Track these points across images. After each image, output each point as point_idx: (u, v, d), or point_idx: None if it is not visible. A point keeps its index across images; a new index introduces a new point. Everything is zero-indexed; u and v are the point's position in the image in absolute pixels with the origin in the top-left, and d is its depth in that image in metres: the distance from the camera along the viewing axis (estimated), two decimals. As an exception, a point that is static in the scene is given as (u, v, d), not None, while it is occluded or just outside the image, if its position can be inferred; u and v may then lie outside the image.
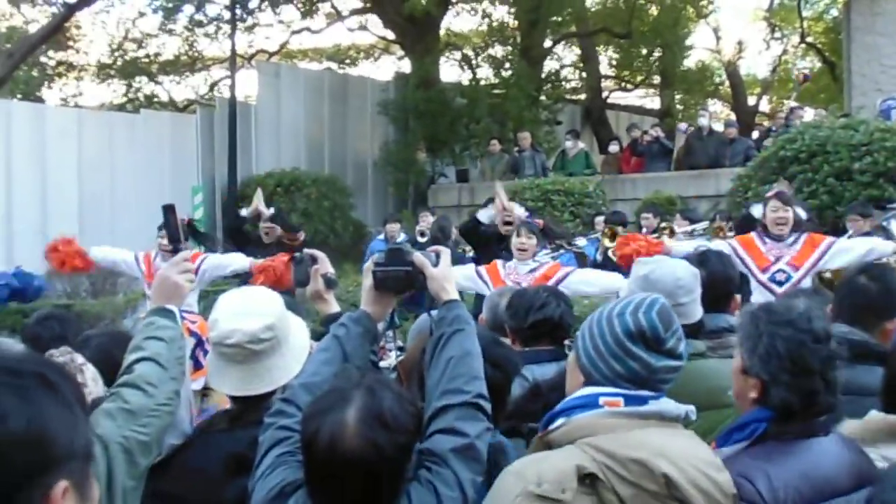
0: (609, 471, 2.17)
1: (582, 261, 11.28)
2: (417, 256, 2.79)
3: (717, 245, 6.69)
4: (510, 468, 2.28)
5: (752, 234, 7.11)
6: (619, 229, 10.64)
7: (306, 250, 3.69)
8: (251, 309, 3.04)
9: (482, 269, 7.29)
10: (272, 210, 9.90)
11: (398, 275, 2.80)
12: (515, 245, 7.31)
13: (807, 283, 6.71)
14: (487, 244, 8.96)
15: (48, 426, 1.33)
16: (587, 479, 2.16)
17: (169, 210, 3.30)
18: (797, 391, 2.59)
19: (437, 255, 2.81)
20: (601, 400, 2.30)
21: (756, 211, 8.13)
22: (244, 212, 10.10)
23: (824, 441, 2.63)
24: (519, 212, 8.42)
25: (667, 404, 2.33)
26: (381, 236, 13.51)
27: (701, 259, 3.95)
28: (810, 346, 2.58)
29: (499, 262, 7.38)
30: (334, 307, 3.60)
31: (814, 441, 2.61)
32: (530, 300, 3.96)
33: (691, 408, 2.38)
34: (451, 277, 2.79)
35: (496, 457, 2.58)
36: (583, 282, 6.93)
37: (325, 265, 3.59)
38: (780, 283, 6.71)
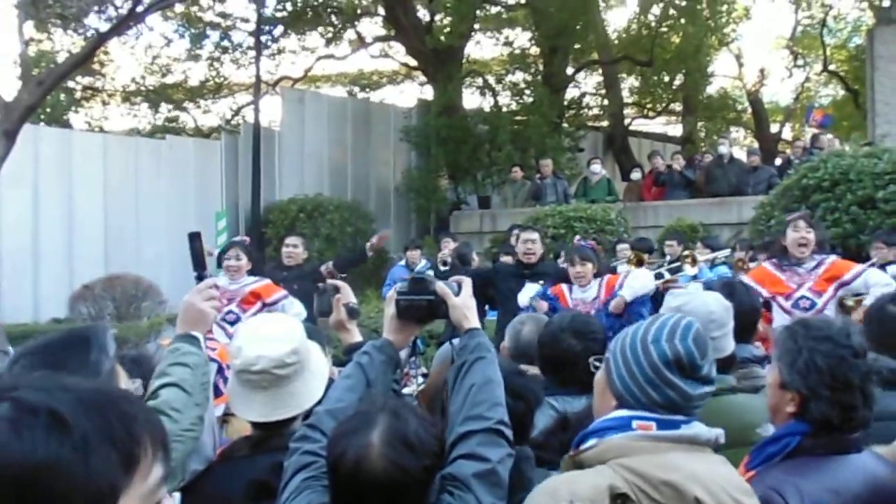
0: (641, 492, 2.17)
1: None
2: (440, 286, 2.83)
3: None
4: (542, 486, 2.28)
5: (765, 265, 7.02)
6: (645, 256, 10.65)
7: (329, 280, 3.72)
8: (275, 335, 3.07)
9: (554, 291, 7.43)
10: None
11: (421, 304, 2.84)
12: (573, 274, 7.61)
13: (830, 309, 6.63)
14: (487, 283, 8.91)
15: (33, 470, 1.21)
16: (619, 500, 2.17)
17: (195, 237, 3.34)
18: (837, 405, 2.61)
19: (459, 285, 2.84)
20: (634, 423, 2.30)
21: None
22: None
23: (857, 458, 2.64)
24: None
25: (699, 428, 2.33)
26: (403, 262, 13.55)
27: (728, 290, 3.94)
28: (850, 361, 2.62)
29: (564, 287, 7.53)
30: (357, 336, 3.63)
31: (846, 458, 2.62)
32: (555, 335, 3.93)
33: (720, 432, 2.38)
34: (473, 306, 2.82)
35: (520, 464, 2.60)
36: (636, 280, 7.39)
37: (347, 295, 3.61)
38: (805, 310, 6.61)
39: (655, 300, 10.28)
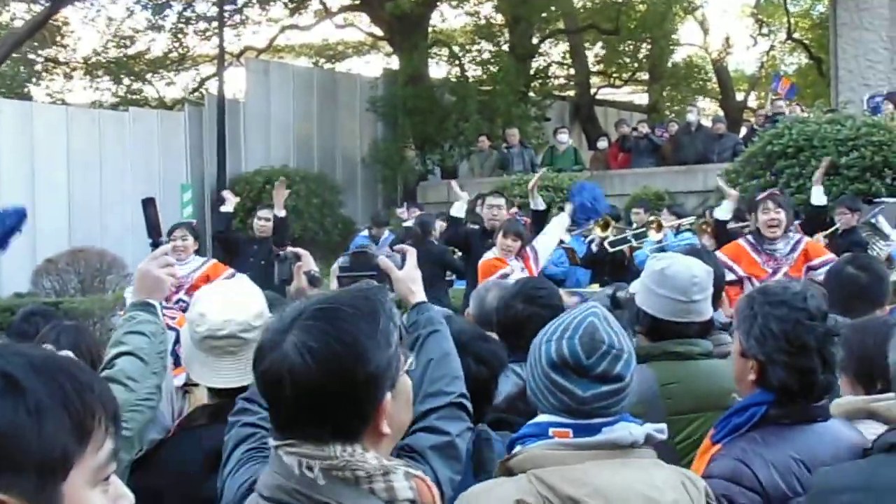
0: None
1: (571, 257, 11.34)
2: (382, 260, 2.76)
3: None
4: (463, 495, 2.20)
5: (741, 243, 6.85)
6: (612, 221, 10.70)
7: (290, 248, 3.69)
8: (239, 299, 3.03)
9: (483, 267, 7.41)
10: (283, 213, 9.76)
11: (363, 279, 2.77)
12: (500, 245, 7.52)
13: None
14: (467, 243, 9.07)
15: None
16: None
17: (149, 203, 3.28)
18: (794, 370, 2.58)
19: (403, 257, 2.75)
20: (551, 431, 2.19)
21: (720, 213, 8.04)
22: (226, 207, 10.01)
23: (824, 426, 2.62)
24: (539, 204, 8.77)
25: (620, 432, 2.17)
26: (365, 232, 13.58)
27: (693, 257, 3.94)
28: (805, 324, 2.58)
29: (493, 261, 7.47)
30: None
31: (812, 427, 2.60)
32: (503, 300, 3.92)
33: (660, 427, 2.24)
34: (418, 278, 2.72)
35: (481, 448, 2.58)
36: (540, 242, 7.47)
37: (308, 262, 3.59)
38: None
39: (623, 266, 10.36)
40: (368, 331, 1.78)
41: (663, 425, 2.27)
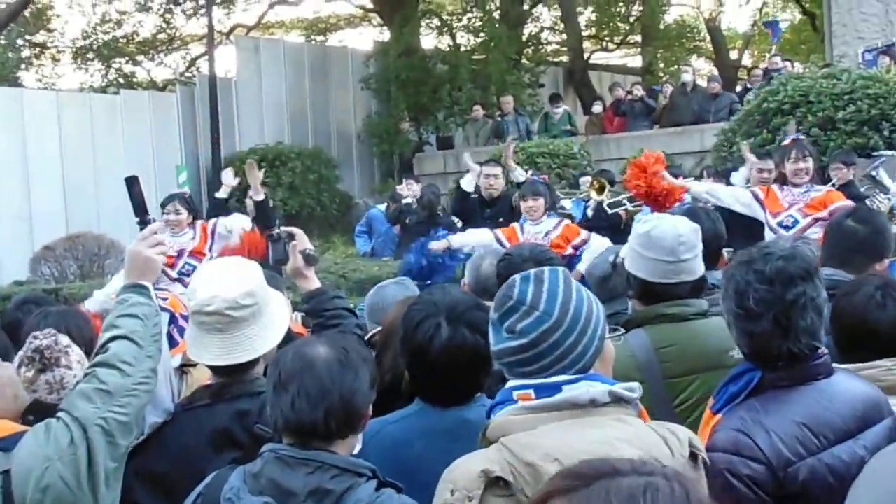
0: (518, 474, 2.05)
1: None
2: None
3: (739, 189, 6.93)
4: (445, 472, 2.17)
5: (773, 186, 7.13)
6: (607, 184, 10.65)
7: (284, 227, 3.64)
8: (230, 276, 3.00)
9: (500, 232, 7.34)
10: (262, 197, 8.73)
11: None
12: (524, 209, 7.54)
13: (813, 231, 6.62)
14: (472, 214, 9.02)
15: None
16: (499, 483, 2.05)
17: (133, 182, 3.21)
18: (744, 334, 2.53)
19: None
20: (514, 395, 2.19)
21: (736, 178, 8.14)
22: (221, 193, 9.65)
23: (827, 383, 2.53)
24: (519, 175, 8.65)
25: (577, 390, 2.14)
26: (380, 207, 13.58)
27: (692, 216, 3.89)
28: (755, 287, 2.49)
29: (517, 225, 7.48)
30: (315, 283, 3.57)
31: (816, 385, 2.52)
32: (516, 267, 3.88)
33: (628, 385, 2.21)
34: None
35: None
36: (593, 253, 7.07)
37: (303, 241, 3.55)
38: (787, 228, 6.72)
39: (620, 230, 10.31)
40: None
41: (634, 384, 2.23)
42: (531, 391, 2.16)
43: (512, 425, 2.14)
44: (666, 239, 3.24)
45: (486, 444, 2.19)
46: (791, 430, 2.43)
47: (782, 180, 7.01)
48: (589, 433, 2.09)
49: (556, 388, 2.15)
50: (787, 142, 7.29)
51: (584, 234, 7.41)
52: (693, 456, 2.15)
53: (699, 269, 3.32)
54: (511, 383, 2.23)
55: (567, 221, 7.76)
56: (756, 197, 6.93)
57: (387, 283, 4.40)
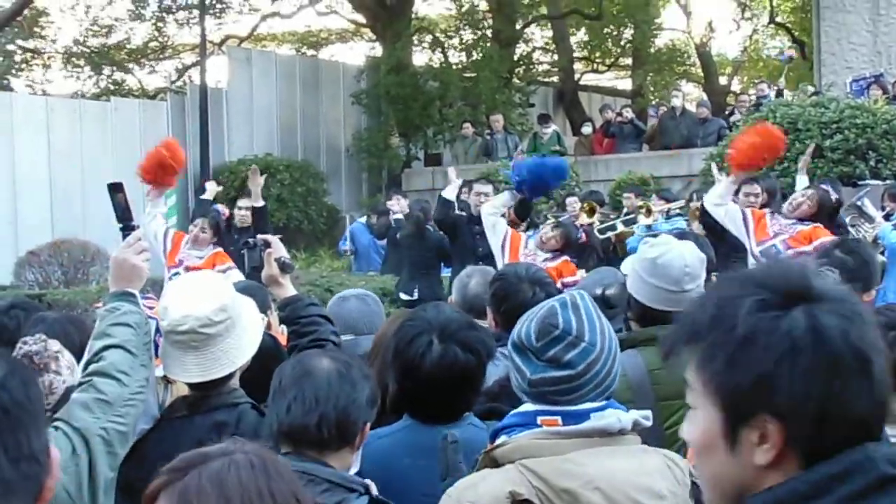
0: (544, 498, 2.06)
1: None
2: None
3: (731, 208, 6.86)
4: (450, 491, 2.18)
5: (766, 211, 7.13)
6: (597, 206, 10.66)
7: (259, 235, 3.67)
8: (201, 293, 2.99)
9: (510, 234, 7.24)
10: (262, 203, 9.15)
11: None
12: (541, 236, 7.61)
13: None
14: (455, 229, 9.00)
15: None
16: None
17: (116, 188, 3.21)
18: None
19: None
20: (539, 419, 2.18)
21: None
22: (206, 195, 9.73)
23: None
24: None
25: (609, 419, 2.17)
26: (363, 219, 13.61)
27: (682, 239, 3.91)
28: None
29: (523, 237, 7.45)
30: (290, 291, 3.57)
31: None
32: (511, 287, 3.85)
33: (645, 414, 2.25)
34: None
35: (445, 450, 2.53)
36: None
37: (278, 249, 3.56)
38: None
39: (608, 252, 10.35)
40: None
41: (648, 412, 2.26)
42: (558, 417, 2.17)
43: (539, 449, 2.13)
44: (672, 268, 3.25)
45: (487, 465, 2.19)
46: None
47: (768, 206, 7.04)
48: (626, 463, 2.13)
49: (585, 415, 2.17)
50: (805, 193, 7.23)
51: (578, 276, 7.33)
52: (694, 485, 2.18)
53: None
54: (530, 407, 2.23)
55: (566, 258, 7.71)
56: (745, 218, 6.88)
57: (348, 296, 4.41)
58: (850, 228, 8.59)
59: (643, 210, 10.50)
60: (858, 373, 1.33)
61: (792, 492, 1.34)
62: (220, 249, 8.12)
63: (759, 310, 1.34)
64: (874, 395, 1.34)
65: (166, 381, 3.78)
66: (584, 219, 10.29)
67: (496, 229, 7.09)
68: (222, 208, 9.05)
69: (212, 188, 9.77)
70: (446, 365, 2.70)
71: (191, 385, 3.04)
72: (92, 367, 2.66)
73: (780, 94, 15.97)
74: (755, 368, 1.33)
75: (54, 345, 3.11)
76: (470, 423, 2.75)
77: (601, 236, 10.14)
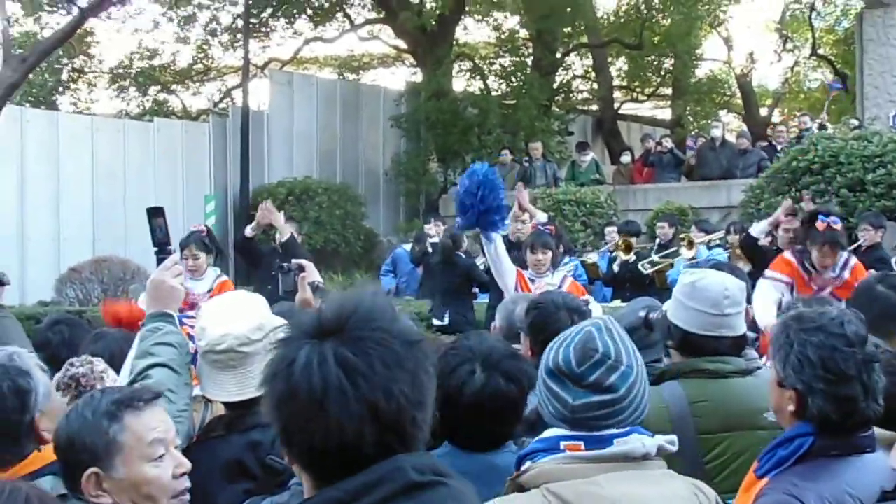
0: None
1: (593, 273, 11.30)
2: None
3: (769, 292, 6.43)
4: None
5: (789, 257, 6.82)
6: (633, 240, 10.63)
7: (294, 260, 3.71)
8: (238, 312, 3.04)
9: (517, 274, 7.08)
10: (287, 236, 8.69)
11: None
12: (531, 262, 7.19)
13: None
14: None
15: None
16: None
17: (155, 213, 3.26)
18: (834, 399, 2.47)
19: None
20: (562, 444, 2.18)
21: (755, 230, 8.05)
22: (248, 231, 9.41)
23: (872, 457, 2.51)
24: (541, 217, 8.49)
25: (633, 443, 2.16)
26: (407, 247, 13.59)
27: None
28: (843, 351, 2.46)
29: (525, 274, 7.27)
30: None
31: (861, 458, 2.50)
32: (549, 315, 3.87)
33: (670, 438, 2.24)
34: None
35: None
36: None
37: (312, 274, 3.61)
38: None
39: (643, 283, 10.32)
40: None
41: (674, 437, 2.25)
42: (581, 443, 2.17)
43: (563, 473, 2.13)
44: (711, 291, 3.23)
45: (512, 490, 2.20)
46: (844, 500, 2.41)
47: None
48: (650, 489, 2.12)
49: (608, 440, 2.17)
50: (820, 224, 6.73)
51: (586, 297, 7.20)
52: None
53: (741, 326, 3.31)
54: (554, 433, 2.23)
55: (571, 279, 7.53)
56: (787, 285, 6.58)
57: None
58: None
59: (685, 242, 10.44)
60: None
61: (328, 500, 1.58)
62: (225, 278, 7.89)
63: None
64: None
65: (206, 400, 3.83)
66: (621, 255, 10.29)
67: (504, 278, 6.95)
68: (200, 226, 8.56)
69: (257, 226, 9.19)
70: (488, 394, 2.72)
71: (227, 404, 3.07)
72: (139, 386, 2.70)
73: (822, 126, 15.88)
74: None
75: (100, 365, 3.16)
76: (510, 451, 2.75)
77: (649, 271, 10.09)
